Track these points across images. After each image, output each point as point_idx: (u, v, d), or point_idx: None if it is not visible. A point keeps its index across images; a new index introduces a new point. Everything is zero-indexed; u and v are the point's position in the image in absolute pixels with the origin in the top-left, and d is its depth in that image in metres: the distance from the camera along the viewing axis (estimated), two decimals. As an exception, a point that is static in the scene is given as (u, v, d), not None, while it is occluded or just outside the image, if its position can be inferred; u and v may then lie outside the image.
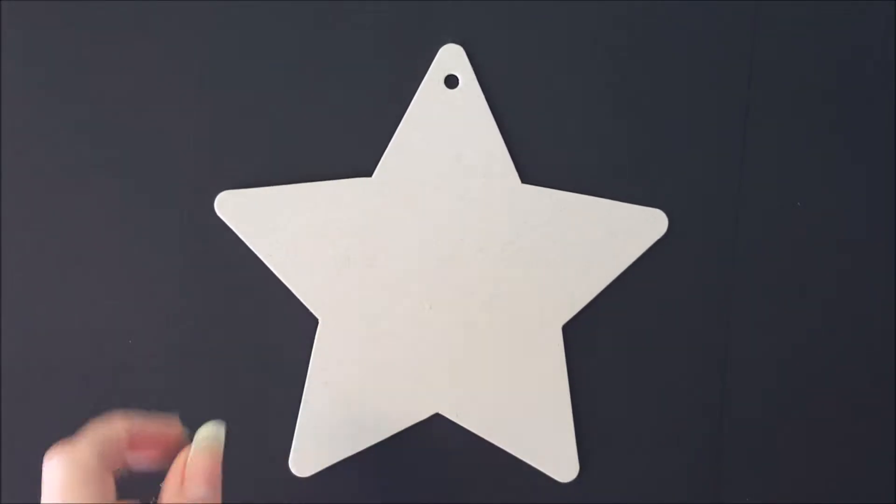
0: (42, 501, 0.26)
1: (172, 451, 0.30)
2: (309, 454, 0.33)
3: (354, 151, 0.33)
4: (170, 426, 0.30)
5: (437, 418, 0.33)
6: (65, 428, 0.33)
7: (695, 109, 0.34)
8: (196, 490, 0.29)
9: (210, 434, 0.30)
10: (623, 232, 0.33)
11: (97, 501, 0.26)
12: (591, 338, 0.34)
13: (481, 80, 0.33)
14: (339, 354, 0.33)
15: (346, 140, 0.33)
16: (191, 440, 0.29)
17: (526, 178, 0.33)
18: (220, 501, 0.29)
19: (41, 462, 0.26)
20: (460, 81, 0.33)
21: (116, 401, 0.33)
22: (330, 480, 0.33)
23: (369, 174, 0.33)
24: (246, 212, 0.33)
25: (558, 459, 0.33)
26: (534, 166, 0.33)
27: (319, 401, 0.33)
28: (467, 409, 0.33)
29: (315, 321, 0.33)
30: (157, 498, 0.28)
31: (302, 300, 0.33)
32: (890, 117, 0.34)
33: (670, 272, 0.34)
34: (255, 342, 0.33)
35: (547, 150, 0.34)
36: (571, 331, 0.33)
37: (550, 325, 0.33)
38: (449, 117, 0.33)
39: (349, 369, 0.33)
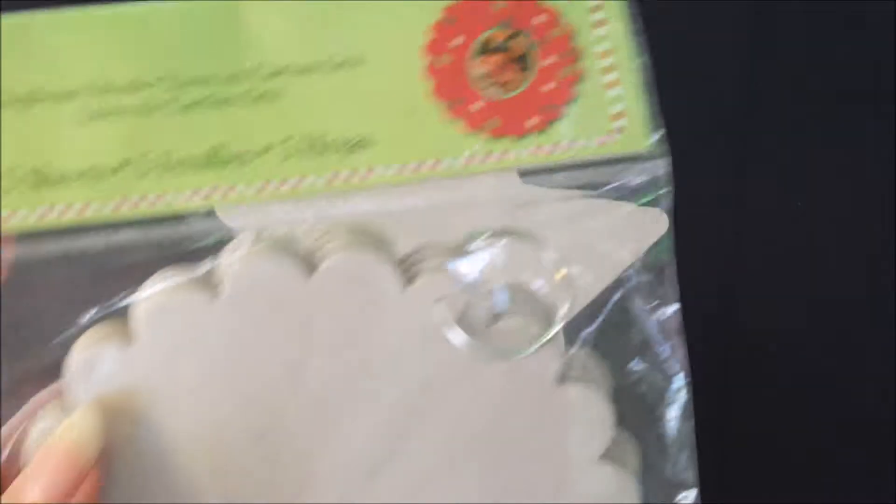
0: None
1: None
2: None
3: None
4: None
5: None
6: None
7: (695, 109, 0.34)
8: (27, 491, 0.22)
9: (73, 430, 0.22)
10: (623, 232, 0.33)
11: None
12: (591, 338, 0.34)
13: (481, 80, 0.33)
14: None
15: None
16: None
17: (526, 177, 0.33)
18: None
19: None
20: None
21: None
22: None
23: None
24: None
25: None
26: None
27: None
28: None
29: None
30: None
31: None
32: (890, 117, 0.34)
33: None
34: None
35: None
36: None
37: (551, 324, 0.33)
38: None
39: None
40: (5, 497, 0.21)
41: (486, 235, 0.22)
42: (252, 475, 0.22)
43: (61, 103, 0.21)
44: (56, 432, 0.21)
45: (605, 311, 0.24)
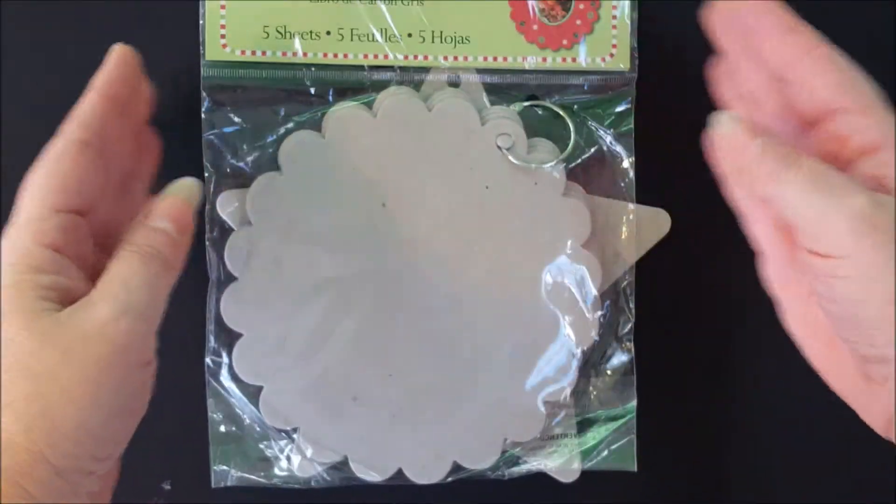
0: None
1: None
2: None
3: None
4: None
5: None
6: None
7: (697, 108, 0.32)
8: (159, 222, 0.28)
9: (185, 185, 0.29)
10: (626, 231, 0.36)
11: None
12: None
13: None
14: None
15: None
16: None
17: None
18: (183, 247, 0.28)
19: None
20: (461, 81, 0.36)
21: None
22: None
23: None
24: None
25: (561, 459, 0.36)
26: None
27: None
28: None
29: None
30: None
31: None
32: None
33: (672, 271, 0.35)
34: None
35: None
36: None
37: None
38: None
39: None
40: None
41: (525, 104, 0.36)
42: (377, 232, 0.35)
43: (300, -10, 0.35)
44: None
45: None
